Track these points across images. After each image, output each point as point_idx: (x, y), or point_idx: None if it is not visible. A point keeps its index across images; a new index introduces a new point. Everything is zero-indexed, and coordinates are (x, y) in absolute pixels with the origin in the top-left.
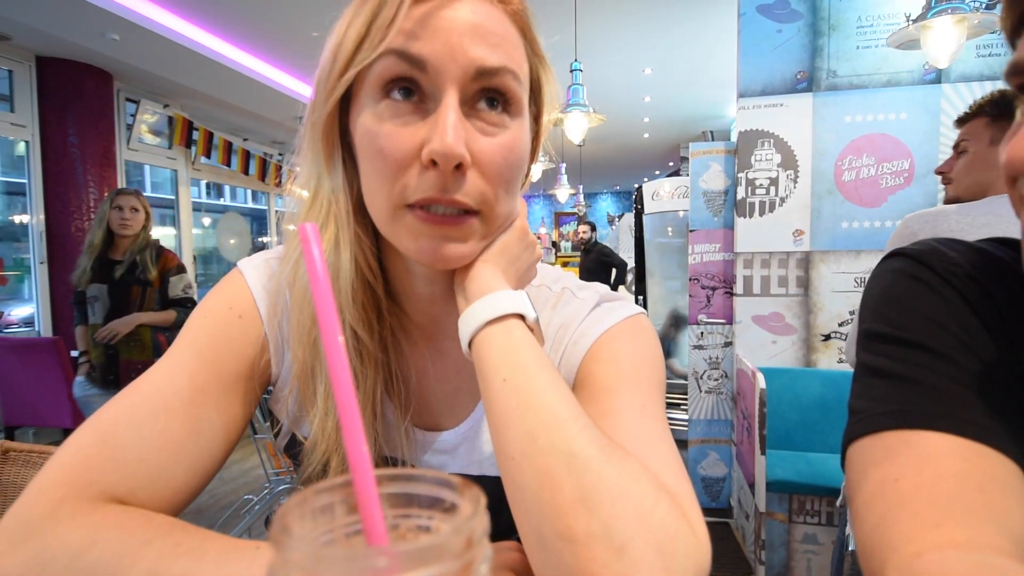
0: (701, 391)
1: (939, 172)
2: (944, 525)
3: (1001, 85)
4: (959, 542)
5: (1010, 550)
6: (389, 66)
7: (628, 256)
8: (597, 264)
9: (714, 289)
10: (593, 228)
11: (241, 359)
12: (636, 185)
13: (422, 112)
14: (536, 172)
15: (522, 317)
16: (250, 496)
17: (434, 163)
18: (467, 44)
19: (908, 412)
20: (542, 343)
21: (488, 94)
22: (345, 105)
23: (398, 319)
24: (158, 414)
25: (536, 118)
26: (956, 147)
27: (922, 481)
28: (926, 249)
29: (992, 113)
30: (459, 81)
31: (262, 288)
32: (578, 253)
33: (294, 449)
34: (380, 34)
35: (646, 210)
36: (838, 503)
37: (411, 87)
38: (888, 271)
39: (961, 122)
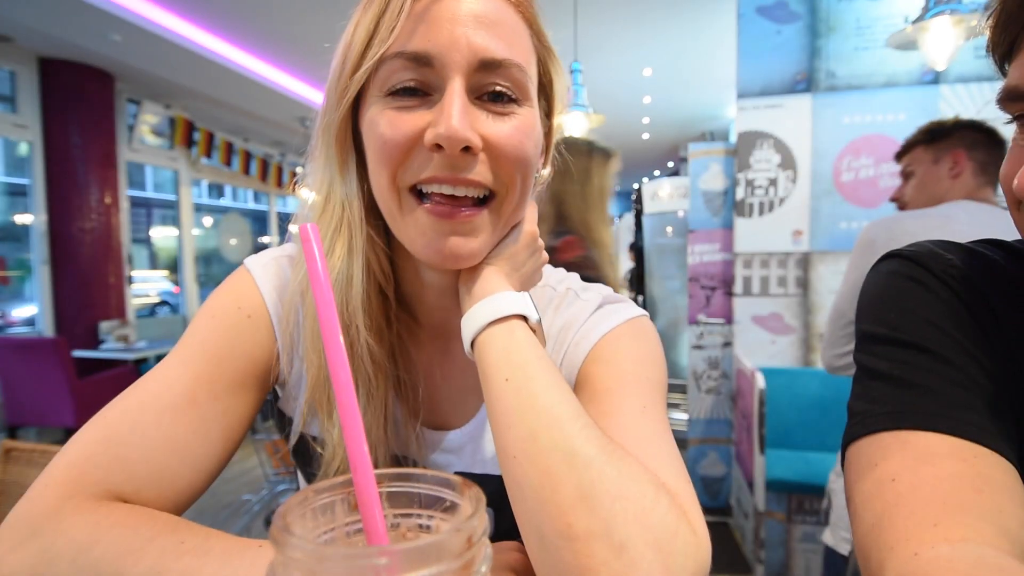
0: (701, 391)
1: (894, 199)
2: (941, 524)
3: (999, 85)
4: (956, 541)
5: (1007, 548)
6: (394, 68)
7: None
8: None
9: (713, 289)
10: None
11: (248, 359)
12: (635, 185)
13: (428, 104)
14: (545, 176)
15: (525, 318)
16: (249, 496)
17: (439, 147)
18: (470, 34)
19: (905, 413)
20: (544, 344)
21: (494, 84)
22: (356, 109)
23: (407, 320)
24: (163, 414)
25: (547, 114)
26: (903, 173)
27: (919, 481)
28: (922, 251)
29: (926, 140)
30: (463, 70)
31: (271, 288)
32: None
33: (303, 448)
34: (384, 36)
35: (645, 210)
36: (823, 505)
37: (417, 82)
38: (884, 273)
39: (901, 155)
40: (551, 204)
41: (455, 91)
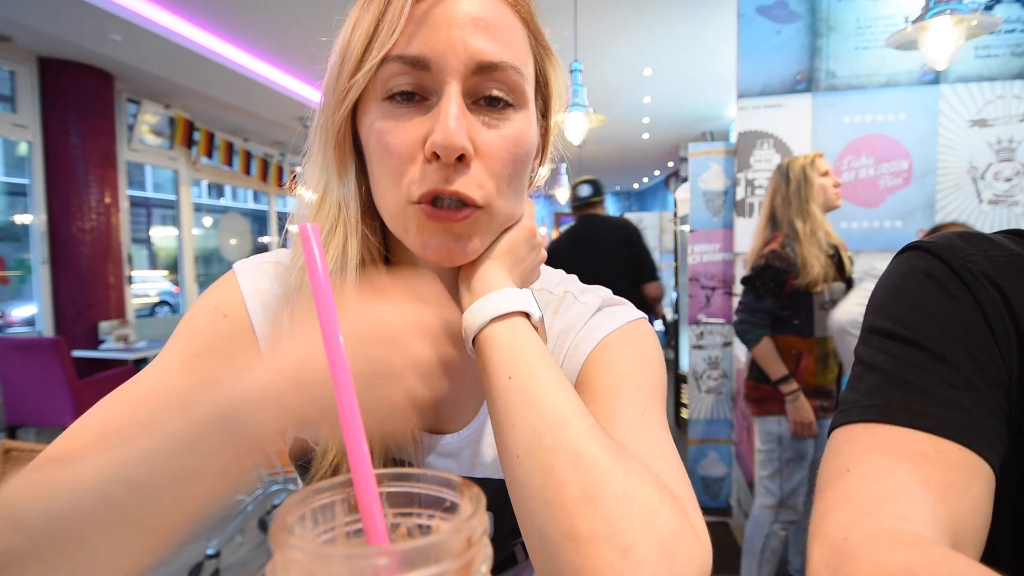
0: (701, 391)
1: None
2: (873, 512)
3: (999, 85)
4: (883, 527)
5: (934, 536)
6: (393, 71)
7: None
8: None
9: (713, 289)
10: None
11: (225, 357)
12: (635, 185)
13: (426, 108)
14: (543, 174)
15: (527, 315)
16: (242, 496)
17: (436, 156)
18: (467, 37)
19: (890, 408)
20: (546, 343)
21: (491, 88)
22: (354, 109)
23: None
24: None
25: (544, 113)
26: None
27: (870, 472)
28: (944, 244)
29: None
30: (460, 75)
31: (254, 290)
32: None
33: (300, 453)
34: (384, 39)
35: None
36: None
37: (415, 87)
38: (903, 266)
39: None
40: (768, 212)
41: (451, 97)
